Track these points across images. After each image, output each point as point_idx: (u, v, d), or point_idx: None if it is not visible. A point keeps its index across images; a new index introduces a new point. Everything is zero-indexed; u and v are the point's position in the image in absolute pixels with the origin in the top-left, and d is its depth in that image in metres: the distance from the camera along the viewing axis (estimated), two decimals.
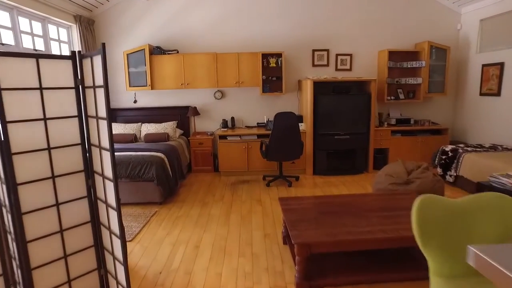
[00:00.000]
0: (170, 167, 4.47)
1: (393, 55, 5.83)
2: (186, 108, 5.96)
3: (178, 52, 5.67)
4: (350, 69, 6.01)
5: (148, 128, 5.57)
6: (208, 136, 5.81)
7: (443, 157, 5.10)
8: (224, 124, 5.90)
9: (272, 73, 5.78)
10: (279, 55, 5.62)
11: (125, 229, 3.58)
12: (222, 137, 5.52)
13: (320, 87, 5.64)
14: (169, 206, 4.29)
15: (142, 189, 4.24)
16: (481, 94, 5.69)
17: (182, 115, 6.00)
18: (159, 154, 4.40)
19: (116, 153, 4.38)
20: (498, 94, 5.35)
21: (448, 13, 6.02)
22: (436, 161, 5.28)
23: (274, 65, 5.60)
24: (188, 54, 5.52)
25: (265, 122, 5.87)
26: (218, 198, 4.56)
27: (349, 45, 5.94)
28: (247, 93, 6.01)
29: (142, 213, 4.05)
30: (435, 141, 5.87)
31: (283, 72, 5.58)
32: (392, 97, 5.98)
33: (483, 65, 5.60)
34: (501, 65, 5.26)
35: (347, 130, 5.44)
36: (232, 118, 5.94)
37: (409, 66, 5.82)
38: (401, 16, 5.94)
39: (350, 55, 5.95)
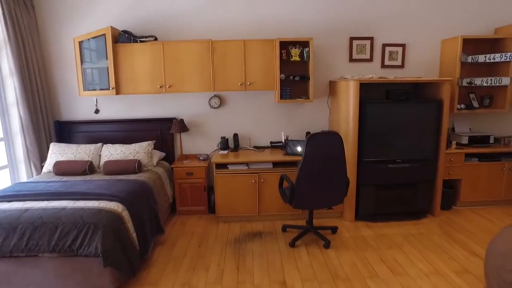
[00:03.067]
0: (135, 227, 2.66)
1: (465, 45, 4.06)
2: (169, 121, 4.16)
3: (156, 39, 3.88)
4: (401, 66, 4.23)
5: (110, 152, 3.75)
6: (201, 161, 4.01)
7: None
8: (224, 144, 4.10)
9: (294, 70, 3.99)
10: (305, 44, 3.83)
11: None
12: (220, 165, 3.72)
13: (364, 91, 3.86)
14: None
15: (81, 269, 2.42)
16: None
17: (163, 132, 4.20)
18: (113, 205, 2.58)
19: (36, 205, 2.56)
20: None
21: None
22: None
23: (298, 58, 3.81)
24: (171, 42, 3.73)
25: (283, 141, 4.07)
26: (214, 276, 2.75)
27: (401, 32, 4.16)
28: (257, 100, 4.21)
29: None
30: None
31: (311, 69, 3.78)
32: (462, 105, 4.21)
33: None
34: None
35: (406, 156, 3.65)
36: (235, 136, 4.14)
37: (487, 61, 4.04)
38: None
39: (403, 45, 4.17)
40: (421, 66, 4.27)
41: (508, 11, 4.23)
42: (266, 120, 4.24)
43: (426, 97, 3.94)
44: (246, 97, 4.20)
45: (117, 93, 3.77)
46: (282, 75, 3.82)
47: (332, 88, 4.11)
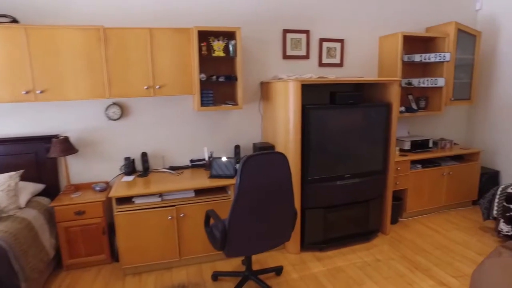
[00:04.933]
0: None
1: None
2: (46, 140, 2.98)
3: (15, 21, 2.69)
4: (340, 64, 3.72)
5: None
6: (97, 193, 2.93)
7: None
8: (129, 167, 3.08)
9: (217, 68, 3.18)
10: (230, 36, 3.03)
11: None
12: (123, 199, 2.71)
13: (304, 94, 3.24)
14: None
15: None
16: None
17: (40, 155, 2.99)
18: None
19: None
20: None
21: None
22: (496, 212, 3.27)
23: (222, 53, 3.00)
24: (40, 27, 2.58)
25: (206, 158, 3.22)
26: None
27: (339, 26, 3.65)
28: (171, 108, 3.28)
29: None
30: (464, 172, 3.93)
31: (239, 67, 3.00)
32: (403, 108, 3.88)
33: None
34: None
35: (355, 169, 3.11)
36: (144, 155, 3.15)
37: (423, 60, 3.77)
38: None
39: (341, 41, 3.67)
40: (360, 64, 3.82)
41: (438, 11, 4.05)
42: (184, 133, 3.33)
43: (370, 99, 3.48)
44: (156, 105, 3.23)
45: None
46: (203, 75, 2.97)
47: (264, 90, 3.39)
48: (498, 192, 3.24)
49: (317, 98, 3.50)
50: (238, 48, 2.94)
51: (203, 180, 2.88)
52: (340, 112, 2.95)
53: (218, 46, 2.96)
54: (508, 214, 3.12)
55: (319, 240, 3.10)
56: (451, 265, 2.85)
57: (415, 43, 3.96)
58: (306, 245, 3.09)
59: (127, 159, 3.08)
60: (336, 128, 2.96)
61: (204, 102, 3.00)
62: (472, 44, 3.91)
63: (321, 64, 3.61)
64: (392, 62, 3.65)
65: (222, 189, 2.96)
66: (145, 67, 2.80)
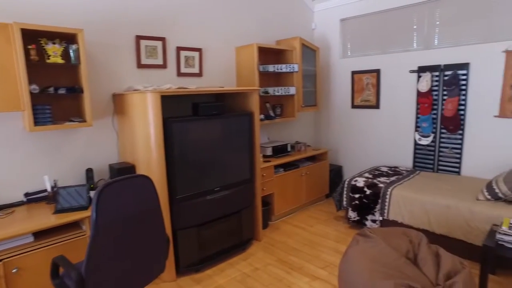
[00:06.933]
0: None
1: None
2: None
3: None
4: (200, 74, 3.62)
5: None
6: None
7: (357, 196, 3.61)
8: None
9: (55, 78, 2.60)
10: (70, 38, 2.51)
11: None
12: None
13: (164, 106, 2.99)
14: None
15: None
16: (353, 106, 4.67)
17: None
18: None
19: None
20: (376, 106, 4.42)
21: (301, 7, 4.73)
22: (345, 203, 3.75)
23: (60, 59, 2.45)
24: None
25: (49, 189, 2.58)
26: None
27: (197, 35, 3.55)
28: None
29: None
30: (318, 170, 4.42)
31: (84, 77, 2.51)
32: (262, 116, 4.07)
33: (354, 72, 4.59)
34: (377, 72, 4.34)
35: (225, 181, 3.04)
36: None
37: (276, 71, 4.08)
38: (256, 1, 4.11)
39: (199, 50, 3.57)
40: (219, 74, 3.81)
41: (285, 27, 4.47)
42: (13, 161, 2.57)
43: (232, 109, 3.49)
44: None
45: None
46: (34, 86, 2.36)
47: (118, 103, 2.96)
48: (345, 186, 3.73)
49: (178, 110, 3.31)
50: (82, 54, 2.47)
51: (45, 218, 2.27)
52: (204, 124, 2.83)
53: (54, 51, 2.41)
54: (353, 203, 3.63)
55: (195, 260, 2.89)
56: (318, 258, 3.09)
57: (268, 54, 4.23)
58: (182, 269, 2.83)
59: None
60: (201, 140, 2.82)
61: (39, 120, 2.39)
62: (313, 57, 4.45)
63: (179, 74, 3.43)
64: (250, 71, 3.79)
65: (75, 224, 2.42)
66: None
